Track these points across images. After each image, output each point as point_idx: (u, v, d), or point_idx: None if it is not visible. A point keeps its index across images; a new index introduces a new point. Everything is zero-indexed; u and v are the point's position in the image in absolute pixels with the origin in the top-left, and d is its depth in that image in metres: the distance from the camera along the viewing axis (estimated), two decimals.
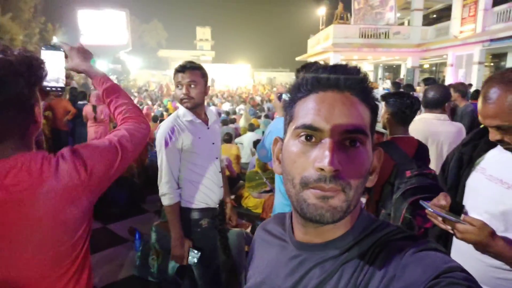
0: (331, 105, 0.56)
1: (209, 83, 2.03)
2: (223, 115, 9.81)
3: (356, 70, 0.60)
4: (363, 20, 20.70)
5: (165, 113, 11.18)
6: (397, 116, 2.06)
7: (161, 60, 44.99)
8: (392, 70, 24.41)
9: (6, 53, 0.88)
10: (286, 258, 0.66)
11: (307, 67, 1.88)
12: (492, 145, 1.29)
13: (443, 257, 0.51)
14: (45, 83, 1.08)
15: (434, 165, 2.39)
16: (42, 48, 1.17)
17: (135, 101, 13.58)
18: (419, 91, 4.98)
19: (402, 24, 21.73)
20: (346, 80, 0.57)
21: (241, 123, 9.19)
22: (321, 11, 25.76)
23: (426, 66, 21.76)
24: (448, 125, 2.63)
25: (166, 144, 1.91)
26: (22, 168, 0.91)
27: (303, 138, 0.56)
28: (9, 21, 13.79)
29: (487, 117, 1.16)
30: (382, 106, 2.17)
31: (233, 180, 5.72)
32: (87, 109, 6.08)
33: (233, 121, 8.85)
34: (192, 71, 1.93)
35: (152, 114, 10.16)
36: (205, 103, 2.08)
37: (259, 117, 9.71)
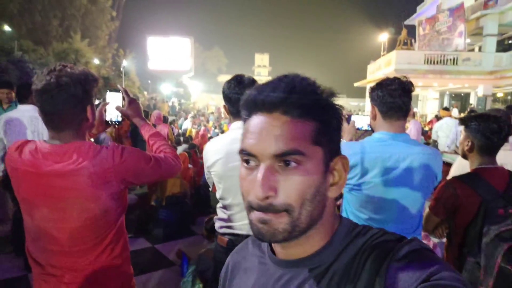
0: (261, 128, 0.55)
1: None
2: None
3: (288, 82, 0.55)
4: (428, 46, 19.70)
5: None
6: (481, 143, 1.71)
7: (220, 84, 46.31)
8: (460, 98, 22.78)
9: (73, 68, 1.25)
10: (271, 281, 0.63)
11: (382, 85, 1.61)
12: None
13: (430, 257, 0.52)
14: (107, 117, 1.52)
15: None
16: (108, 90, 1.54)
17: (191, 124, 13.90)
18: None
19: (473, 50, 20.32)
20: (271, 100, 0.55)
21: None
22: (383, 37, 25.07)
23: (499, 95, 19.99)
24: None
25: None
26: (75, 150, 1.24)
27: (244, 162, 0.57)
28: (86, 47, 15.19)
29: None
30: (461, 131, 1.83)
31: None
32: None
33: None
34: None
35: (209, 135, 10.32)
36: None
37: None
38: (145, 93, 27.47)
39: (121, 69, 19.41)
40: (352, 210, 1.64)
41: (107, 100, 1.52)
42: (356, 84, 23.51)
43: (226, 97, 1.76)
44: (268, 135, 0.54)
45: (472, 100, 18.76)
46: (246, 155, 0.56)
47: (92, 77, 1.30)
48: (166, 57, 32.22)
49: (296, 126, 0.54)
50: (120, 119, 1.55)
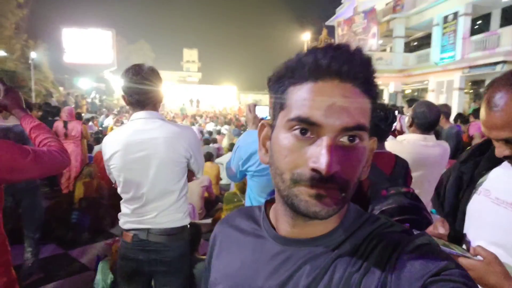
0: (331, 98, 0.49)
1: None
2: (205, 135, 9.71)
3: (361, 55, 0.51)
4: None
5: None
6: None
7: None
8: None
9: None
10: (267, 256, 0.60)
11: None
12: (496, 162, 1.09)
13: (440, 253, 0.51)
14: None
15: (424, 190, 2.19)
16: None
17: (114, 120, 13.16)
18: (406, 113, 4.94)
19: (385, 50, 22.22)
20: (350, 70, 0.50)
21: (224, 143, 8.97)
22: (306, 36, 26.22)
23: (408, 91, 22.17)
24: (435, 147, 2.45)
25: None
26: None
27: (297, 131, 0.50)
28: None
29: (493, 128, 0.95)
30: None
31: (212, 202, 5.43)
32: (58, 125, 5.75)
33: (215, 140, 8.63)
34: None
35: None
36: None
37: None
38: (61, 88, 25.20)
39: (30, 61, 17.53)
40: (255, 196, 1.68)
41: None
42: None
43: (124, 87, 1.67)
44: (341, 106, 0.49)
45: (385, 96, 20.53)
46: (307, 124, 0.50)
47: None
48: (84, 49, 30.02)
49: (364, 100, 0.52)
50: None
